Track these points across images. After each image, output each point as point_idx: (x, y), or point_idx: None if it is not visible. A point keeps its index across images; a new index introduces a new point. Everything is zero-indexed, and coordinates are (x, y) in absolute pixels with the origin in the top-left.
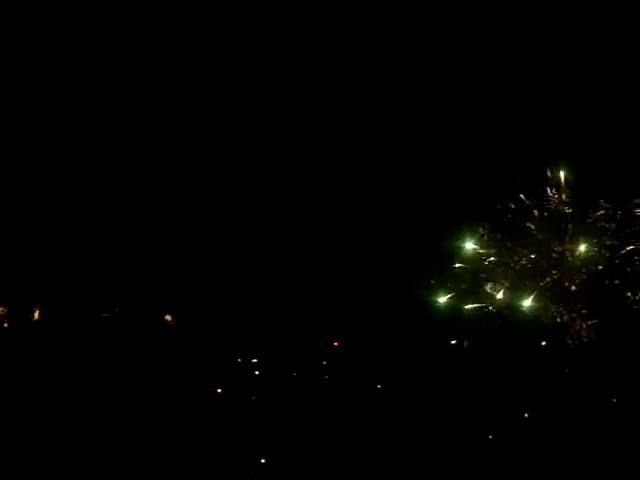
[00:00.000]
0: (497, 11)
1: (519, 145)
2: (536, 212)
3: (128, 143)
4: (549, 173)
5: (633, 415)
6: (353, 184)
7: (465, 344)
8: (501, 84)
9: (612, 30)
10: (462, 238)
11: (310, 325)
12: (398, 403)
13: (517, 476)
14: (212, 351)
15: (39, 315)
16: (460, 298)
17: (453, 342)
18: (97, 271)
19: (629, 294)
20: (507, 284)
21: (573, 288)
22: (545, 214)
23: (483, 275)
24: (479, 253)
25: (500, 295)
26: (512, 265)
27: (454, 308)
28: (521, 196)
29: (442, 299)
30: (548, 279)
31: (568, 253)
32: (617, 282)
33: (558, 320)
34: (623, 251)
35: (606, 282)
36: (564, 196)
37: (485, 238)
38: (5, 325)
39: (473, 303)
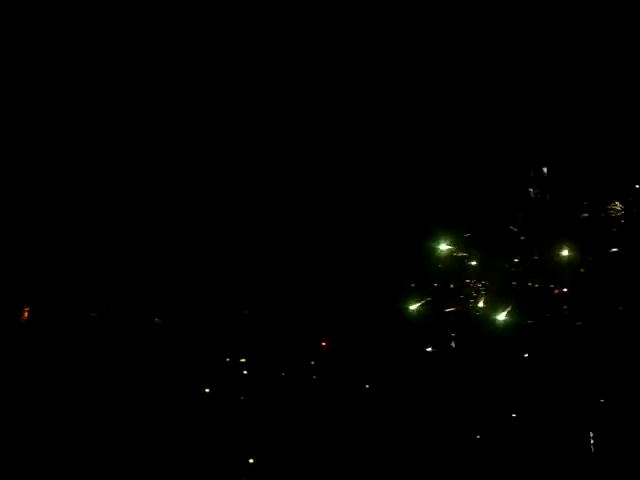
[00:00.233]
0: (497, 11)
1: (502, 146)
2: (520, 215)
3: (121, 140)
4: (532, 174)
5: (620, 415)
6: (337, 185)
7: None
8: (484, 86)
9: (601, 31)
10: (443, 240)
11: (298, 325)
12: (386, 403)
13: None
14: (200, 350)
15: (28, 314)
16: (441, 300)
17: (431, 347)
18: (85, 270)
19: (611, 296)
20: (488, 287)
21: (556, 292)
22: (528, 216)
23: (466, 280)
24: (460, 256)
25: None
26: (493, 269)
27: (435, 310)
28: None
29: (417, 304)
30: (530, 283)
31: (550, 256)
32: (601, 285)
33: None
34: (605, 254)
35: (589, 285)
36: (547, 197)
37: (465, 241)
38: None
39: (455, 305)
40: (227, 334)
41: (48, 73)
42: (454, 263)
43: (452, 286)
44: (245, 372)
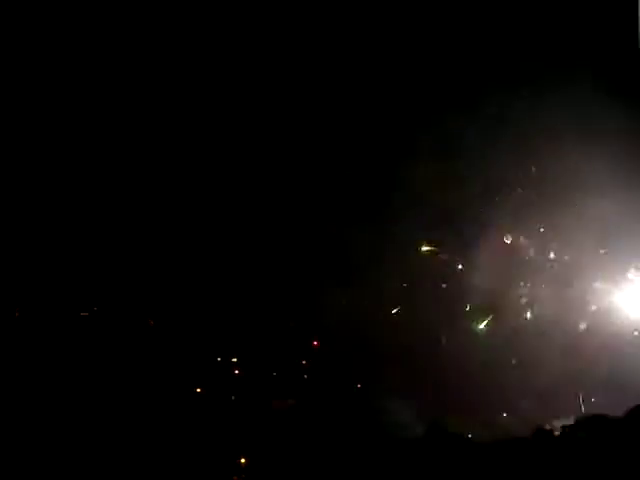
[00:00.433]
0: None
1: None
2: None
3: (115, 136)
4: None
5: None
6: (335, 184)
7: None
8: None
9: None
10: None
11: (289, 324)
12: (377, 403)
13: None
14: (191, 350)
15: (17, 313)
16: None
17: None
18: (75, 268)
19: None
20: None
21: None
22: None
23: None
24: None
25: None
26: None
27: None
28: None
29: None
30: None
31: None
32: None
33: None
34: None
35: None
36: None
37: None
38: None
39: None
40: (218, 334)
41: (48, 73)
42: (442, 263)
43: (444, 286)
44: (236, 372)
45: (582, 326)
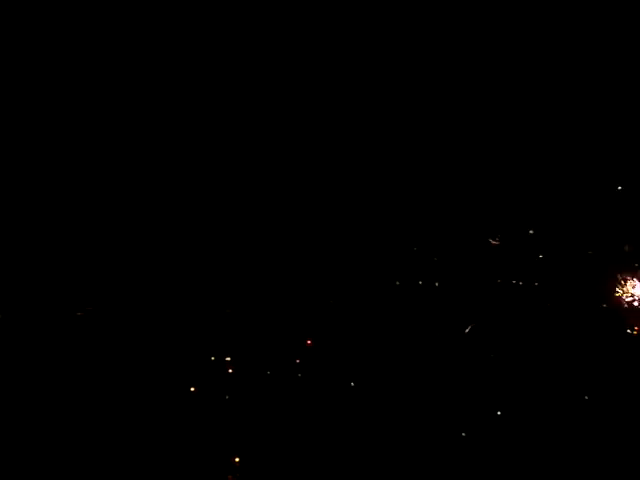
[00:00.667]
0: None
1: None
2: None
3: (111, 136)
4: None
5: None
6: (320, 184)
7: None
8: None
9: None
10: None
11: (283, 323)
12: (372, 401)
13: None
14: (185, 349)
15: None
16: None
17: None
18: (70, 267)
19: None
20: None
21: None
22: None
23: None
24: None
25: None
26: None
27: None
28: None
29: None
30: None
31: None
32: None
33: None
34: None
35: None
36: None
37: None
38: None
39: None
40: (212, 332)
41: (48, 73)
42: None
43: (437, 284)
44: (230, 370)
45: (581, 325)
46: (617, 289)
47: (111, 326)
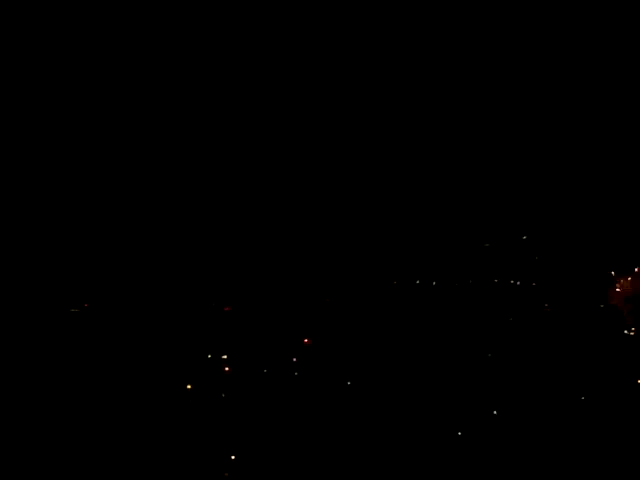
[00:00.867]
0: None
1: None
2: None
3: (109, 135)
4: None
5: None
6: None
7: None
8: None
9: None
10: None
11: (281, 321)
12: (369, 400)
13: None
14: (181, 347)
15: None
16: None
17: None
18: (66, 264)
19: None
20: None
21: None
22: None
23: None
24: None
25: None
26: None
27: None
28: None
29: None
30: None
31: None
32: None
33: None
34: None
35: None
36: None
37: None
38: None
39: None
40: (208, 331)
41: (48, 72)
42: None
43: (434, 284)
44: (227, 369)
45: (580, 325)
46: (615, 289)
47: (107, 323)
